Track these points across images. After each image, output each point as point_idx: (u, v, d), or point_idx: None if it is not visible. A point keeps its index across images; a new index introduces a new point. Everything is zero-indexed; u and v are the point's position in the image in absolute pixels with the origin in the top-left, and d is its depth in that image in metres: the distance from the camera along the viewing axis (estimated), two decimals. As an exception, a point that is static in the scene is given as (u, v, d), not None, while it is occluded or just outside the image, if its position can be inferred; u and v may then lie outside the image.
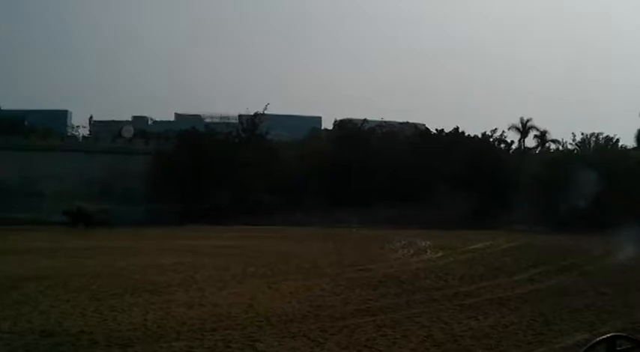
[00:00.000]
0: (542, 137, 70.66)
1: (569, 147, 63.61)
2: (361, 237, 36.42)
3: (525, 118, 70.26)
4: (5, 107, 78.12)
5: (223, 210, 50.24)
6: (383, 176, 53.70)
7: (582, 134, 62.22)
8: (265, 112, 63.22)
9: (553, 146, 69.44)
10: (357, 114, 73.49)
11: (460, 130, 63.15)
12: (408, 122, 73.30)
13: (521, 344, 11.10)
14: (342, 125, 66.83)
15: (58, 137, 63.12)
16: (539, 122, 69.46)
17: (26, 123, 71.84)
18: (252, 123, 63.16)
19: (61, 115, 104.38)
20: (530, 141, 71.77)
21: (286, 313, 13.54)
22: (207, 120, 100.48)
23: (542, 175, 56.18)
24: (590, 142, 61.90)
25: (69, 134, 75.94)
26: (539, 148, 71.29)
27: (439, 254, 27.25)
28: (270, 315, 13.25)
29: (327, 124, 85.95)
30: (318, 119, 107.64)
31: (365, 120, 65.35)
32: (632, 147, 61.90)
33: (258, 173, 53.56)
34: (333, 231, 40.83)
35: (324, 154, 57.42)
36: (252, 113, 63.94)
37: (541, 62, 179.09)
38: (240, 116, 72.05)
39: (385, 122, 68.70)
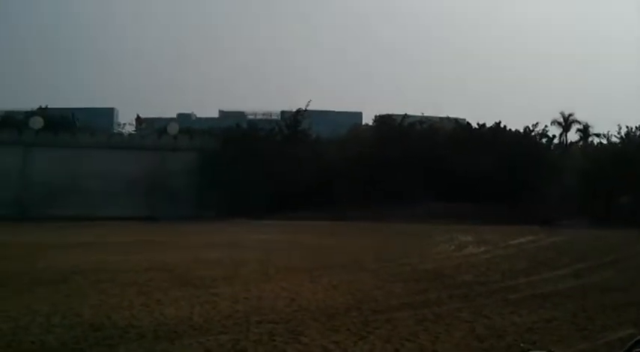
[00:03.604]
0: (584, 131, 69.64)
1: (614, 140, 62.22)
2: (402, 233, 36.39)
3: (567, 112, 69.51)
4: (52, 106, 79.37)
5: (266, 204, 50.71)
6: (423, 171, 53.43)
7: (627, 127, 60.76)
8: (307, 109, 63.64)
9: (596, 140, 68.33)
10: (397, 109, 73.31)
11: (502, 125, 62.52)
12: (448, 117, 72.72)
13: (565, 339, 11.05)
14: (382, 121, 66.60)
15: (105, 134, 64.29)
16: (583, 115, 68.63)
17: (77, 121, 72.96)
18: (295, 120, 63.61)
19: (108, 113, 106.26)
20: (573, 136, 70.95)
21: (329, 306, 13.69)
22: (251, 116, 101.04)
23: (584, 169, 55.37)
24: (635, 135, 60.38)
25: (115, 131, 77.40)
26: (581, 142, 70.27)
27: (481, 249, 27.14)
28: (313, 309, 13.42)
29: (368, 120, 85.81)
30: (359, 115, 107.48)
31: (405, 116, 65.02)
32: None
33: (300, 169, 53.83)
34: (374, 226, 40.87)
35: (365, 150, 57.38)
36: (294, 109, 64.39)
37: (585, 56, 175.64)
38: (282, 112, 72.64)
39: (425, 117, 68.31)
